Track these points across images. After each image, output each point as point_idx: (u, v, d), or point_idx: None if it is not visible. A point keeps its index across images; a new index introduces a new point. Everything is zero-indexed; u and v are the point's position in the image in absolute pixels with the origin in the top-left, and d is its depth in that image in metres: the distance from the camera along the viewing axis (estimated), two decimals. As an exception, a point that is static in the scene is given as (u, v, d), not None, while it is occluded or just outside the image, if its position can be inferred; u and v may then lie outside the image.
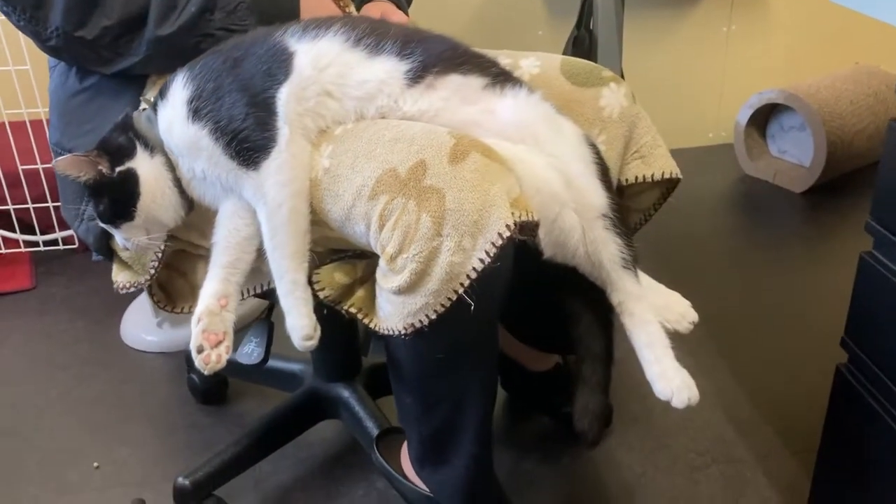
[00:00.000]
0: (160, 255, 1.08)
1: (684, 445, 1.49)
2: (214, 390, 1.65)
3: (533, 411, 1.58)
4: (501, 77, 1.03)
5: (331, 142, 0.98)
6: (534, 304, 1.22)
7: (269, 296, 1.02)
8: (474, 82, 1.01)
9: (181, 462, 1.44)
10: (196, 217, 1.05)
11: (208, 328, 0.98)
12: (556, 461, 1.46)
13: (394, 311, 0.95)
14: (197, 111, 0.96)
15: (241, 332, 1.12)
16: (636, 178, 1.19)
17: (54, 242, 2.15)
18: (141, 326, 1.87)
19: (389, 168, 0.92)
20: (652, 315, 1.04)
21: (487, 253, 0.89)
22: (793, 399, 1.59)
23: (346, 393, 1.41)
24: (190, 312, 1.04)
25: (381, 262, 0.94)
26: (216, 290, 1.01)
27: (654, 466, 1.44)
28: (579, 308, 1.10)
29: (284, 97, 0.96)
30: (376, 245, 0.94)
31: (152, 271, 1.09)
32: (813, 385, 1.60)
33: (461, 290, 0.90)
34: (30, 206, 2.08)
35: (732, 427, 1.52)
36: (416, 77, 0.99)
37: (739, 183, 2.56)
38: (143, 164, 0.99)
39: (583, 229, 1.00)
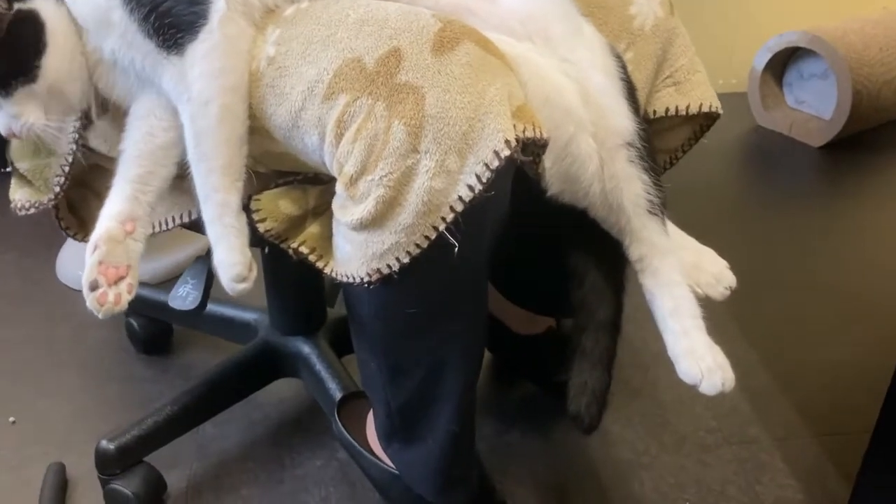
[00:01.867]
0: (67, 168, 0.91)
1: (692, 422, 1.36)
2: (157, 338, 1.52)
3: (520, 377, 1.45)
4: None
5: (279, 24, 0.81)
6: (527, 256, 1.07)
7: (199, 226, 0.85)
8: None
9: (112, 420, 1.29)
10: (112, 123, 0.88)
11: (106, 259, 0.83)
12: (544, 434, 1.34)
13: (354, 253, 0.79)
14: None
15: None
16: (667, 109, 1.02)
17: (-21, 165, 1.97)
18: (80, 262, 1.66)
19: (353, 58, 0.75)
20: (680, 276, 0.88)
21: (479, 177, 0.72)
22: (814, 373, 1.47)
23: (306, 348, 1.31)
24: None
25: (339, 187, 0.77)
26: (120, 210, 0.85)
27: (657, 444, 1.32)
28: (585, 264, 0.95)
29: None
30: (332, 162, 0.77)
31: (57, 189, 0.93)
32: (835, 358, 1.48)
33: (442, 227, 0.74)
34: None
35: (747, 402, 1.40)
36: None
37: (752, 134, 2.47)
38: (50, 9, 0.81)
39: (601, 160, 0.83)
